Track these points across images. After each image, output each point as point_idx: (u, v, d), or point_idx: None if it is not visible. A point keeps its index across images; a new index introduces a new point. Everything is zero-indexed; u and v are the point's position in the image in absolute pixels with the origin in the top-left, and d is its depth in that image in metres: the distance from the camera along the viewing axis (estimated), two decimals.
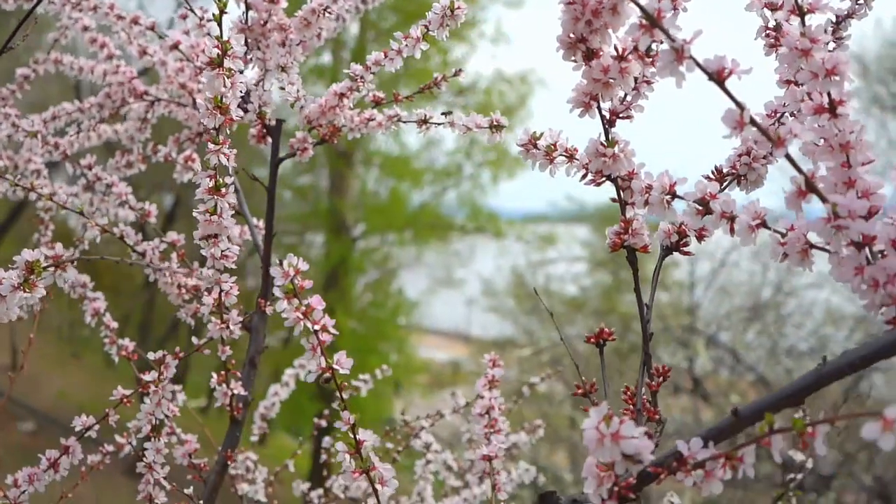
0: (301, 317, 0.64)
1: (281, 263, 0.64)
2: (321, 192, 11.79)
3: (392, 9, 9.07)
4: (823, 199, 0.53)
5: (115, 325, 1.12)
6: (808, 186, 0.54)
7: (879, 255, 0.54)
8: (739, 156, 0.72)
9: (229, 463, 1.01)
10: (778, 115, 0.73)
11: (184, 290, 1.05)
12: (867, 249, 0.53)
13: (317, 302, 0.65)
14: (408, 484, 1.56)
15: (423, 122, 0.98)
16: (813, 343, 6.81)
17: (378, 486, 0.67)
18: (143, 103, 1.25)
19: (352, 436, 0.67)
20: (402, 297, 11.79)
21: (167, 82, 1.19)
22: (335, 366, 0.66)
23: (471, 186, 11.79)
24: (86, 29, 1.24)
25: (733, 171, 0.72)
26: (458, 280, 12.10)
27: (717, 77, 0.53)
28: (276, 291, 0.64)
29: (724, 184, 0.72)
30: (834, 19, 0.75)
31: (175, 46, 1.04)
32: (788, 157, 0.53)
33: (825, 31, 0.72)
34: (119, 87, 1.23)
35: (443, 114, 0.97)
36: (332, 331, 0.65)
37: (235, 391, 1.00)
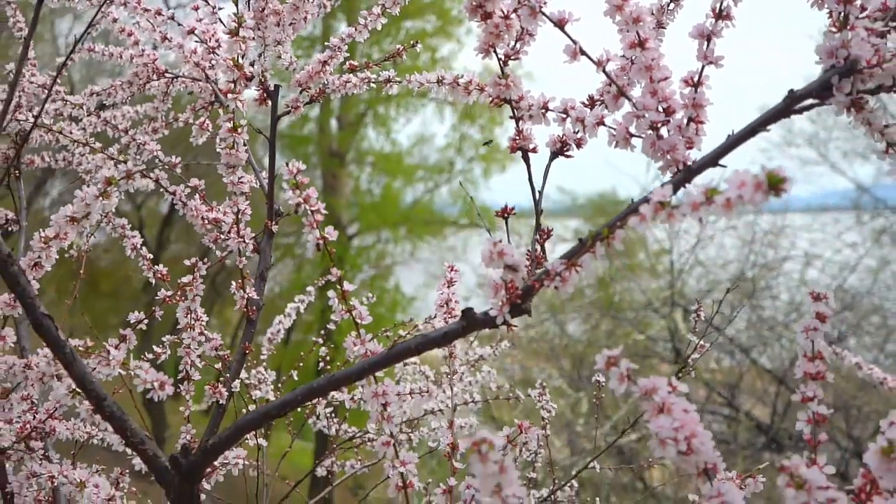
0: (302, 201, 0.94)
1: (287, 164, 0.93)
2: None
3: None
4: (629, 99, 0.83)
5: (150, 256, 1.42)
6: (620, 92, 0.84)
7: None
8: (605, 86, 1.01)
9: (246, 353, 1.31)
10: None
11: (206, 222, 1.34)
12: (659, 131, 0.83)
13: (313, 192, 0.95)
14: None
15: (388, 81, 1.28)
16: (791, 315, 7.12)
17: (358, 321, 0.97)
18: (164, 80, 1.54)
19: (339, 286, 0.97)
20: (398, 293, 12.06)
21: (184, 62, 1.49)
22: (326, 235, 0.95)
23: (463, 181, 12.09)
24: (115, 21, 1.53)
25: (601, 97, 1.01)
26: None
27: (560, 24, 0.83)
28: (284, 184, 0.94)
29: (595, 107, 1.01)
30: None
31: (191, 31, 1.33)
32: (605, 72, 0.83)
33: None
34: (144, 68, 1.53)
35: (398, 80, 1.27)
36: (323, 211, 0.95)
37: (250, 295, 1.29)
